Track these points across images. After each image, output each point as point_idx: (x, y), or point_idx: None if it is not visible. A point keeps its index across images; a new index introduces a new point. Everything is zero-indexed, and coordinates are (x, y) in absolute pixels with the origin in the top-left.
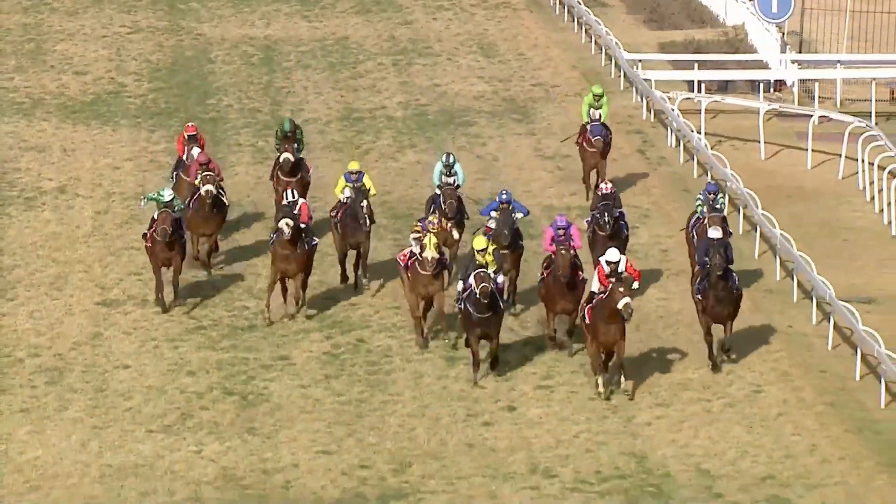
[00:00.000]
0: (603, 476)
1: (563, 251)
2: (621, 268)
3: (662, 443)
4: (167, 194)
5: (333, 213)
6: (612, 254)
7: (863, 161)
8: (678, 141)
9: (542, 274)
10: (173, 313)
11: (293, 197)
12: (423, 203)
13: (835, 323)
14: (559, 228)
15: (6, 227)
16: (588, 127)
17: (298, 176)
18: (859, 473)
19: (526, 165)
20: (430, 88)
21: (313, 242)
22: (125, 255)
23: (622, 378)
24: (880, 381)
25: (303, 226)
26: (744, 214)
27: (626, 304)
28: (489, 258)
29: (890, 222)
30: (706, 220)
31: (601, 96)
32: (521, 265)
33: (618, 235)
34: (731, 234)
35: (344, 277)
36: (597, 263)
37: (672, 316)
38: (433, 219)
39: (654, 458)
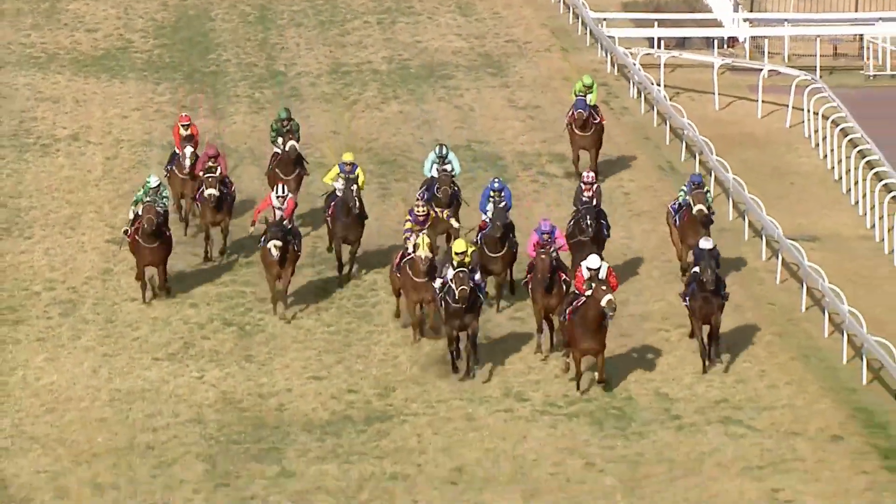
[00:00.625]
0: (570, 399)
1: (542, 256)
2: (602, 274)
3: (625, 370)
4: (153, 180)
5: (325, 209)
6: (593, 260)
7: (808, 111)
8: (640, 93)
9: (526, 277)
10: (176, 250)
11: (283, 192)
12: (405, 149)
13: (782, 259)
14: (544, 233)
15: (24, 171)
16: (574, 104)
17: (296, 172)
18: (804, 397)
19: (500, 115)
20: (412, 45)
21: (299, 239)
22: (132, 197)
23: (599, 382)
24: (824, 313)
25: (287, 224)
26: (699, 160)
27: (609, 301)
28: (468, 260)
29: (833, 167)
30: (691, 198)
31: (591, 86)
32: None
33: (598, 236)
34: (713, 213)
35: (340, 269)
36: (574, 263)
37: (634, 253)
38: (419, 208)
39: (617, 383)
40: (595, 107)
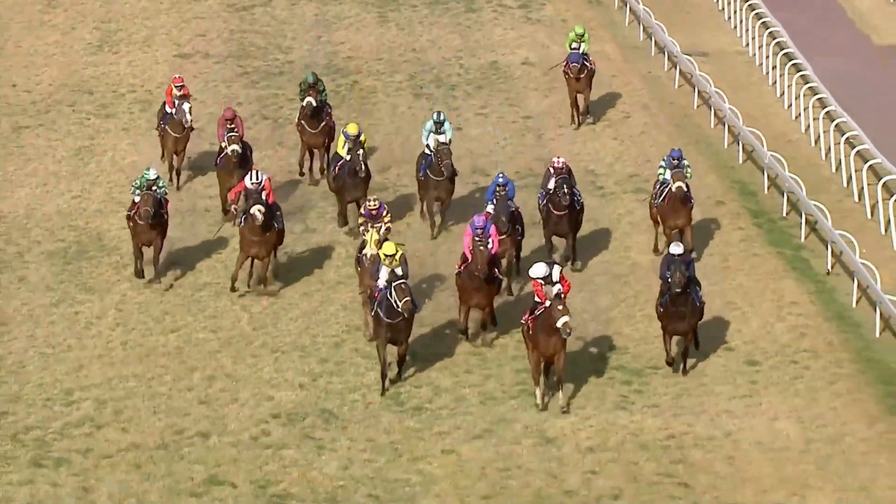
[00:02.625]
0: (521, 175)
1: (480, 248)
2: (555, 277)
3: (561, 150)
4: (152, 173)
5: (333, 170)
6: (539, 268)
7: None
8: None
9: (459, 268)
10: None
11: (258, 178)
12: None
13: (679, 70)
14: (477, 228)
15: (112, 2)
16: (569, 55)
17: (323, 123)
18: (696, 173)
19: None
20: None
21: (281, 224)
22: (193, 21)
23: (560, 393)
24: (710, 110)
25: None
26: None
27: (565, 324)
28: (396, 264)
29: (717, 1)
30: (671, 176)
31: (582, 35)
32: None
33: (572, 209)
34: (692, 201)
35: (343, 221)
36: (549, 238)
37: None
38: (370, 202)
39: (552, 157)
40: (586, 55)
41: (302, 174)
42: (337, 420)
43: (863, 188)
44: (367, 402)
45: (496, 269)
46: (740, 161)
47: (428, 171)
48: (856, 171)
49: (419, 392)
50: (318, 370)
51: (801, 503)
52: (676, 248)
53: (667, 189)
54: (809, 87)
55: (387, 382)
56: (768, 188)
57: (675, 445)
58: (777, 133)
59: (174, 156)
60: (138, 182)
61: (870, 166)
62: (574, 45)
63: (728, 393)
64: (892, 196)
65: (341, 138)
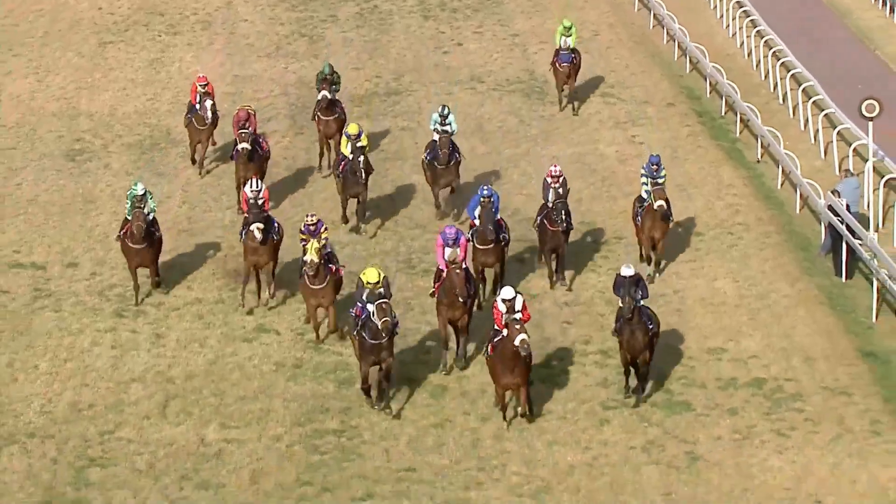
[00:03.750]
0: (510, 82)
1: (457, 271)
2: (517, 305)
3: (542, 62)
4: (139, 188)
5: (336, 168)
6: (507, 291)
7: None
8: None
9: (434, 287)
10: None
11: (257, 186)
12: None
13: None
14: (449, 238)
15: None
16: (559, 54)
17: (336, 114)
18: (651, 79)
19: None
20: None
21: (278, 232)
22: None
23: (525, 415)
24: (663, 29)
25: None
26: None
27: (523, 341)
28: (378, 288)
29: None
30: (652, 193)
31: (570, 28)
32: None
33: (567, 228)
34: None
35: (345, 219)
36: (540, 250)
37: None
38: (309, 218)
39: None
40: (575, 50)
41: (320, 167)
42: None
43: (786, 93)
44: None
45: (472, 286)
46: (687, 71)
47: (433, 159)
48: (780, 79)
49: None
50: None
51: (736, 347)
52: (627, 271)
53: (646, 204)
54: (744, 11)
55: (374, 400)
56: (710, 93)
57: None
58: (717, 48)
59: (198, 145)
60: (128, 201)
61: (792, 75)
62: (563, 37)
63: (677, 258)
64: (809, 98)
65: (344, 138)
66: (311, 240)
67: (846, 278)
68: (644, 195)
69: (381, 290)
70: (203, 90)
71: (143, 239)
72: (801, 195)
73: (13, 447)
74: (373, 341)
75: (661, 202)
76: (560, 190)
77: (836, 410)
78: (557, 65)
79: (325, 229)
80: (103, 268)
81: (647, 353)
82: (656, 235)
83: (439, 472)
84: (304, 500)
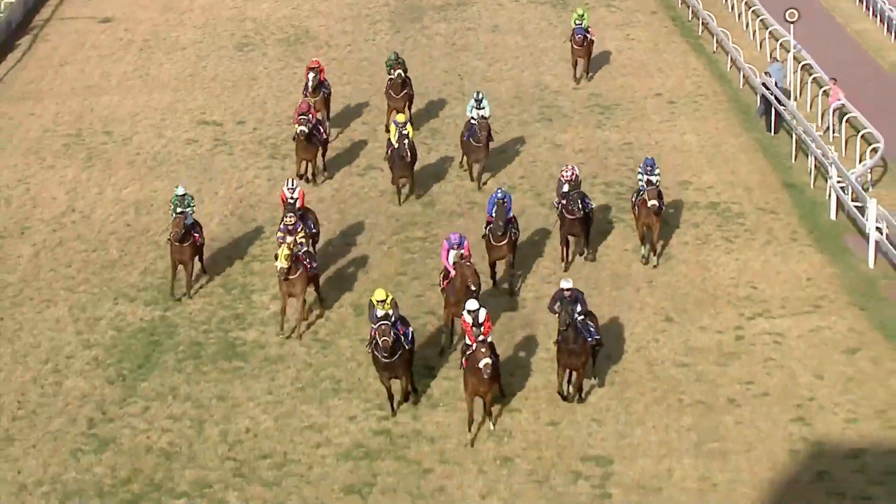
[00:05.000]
0: (528, 31)
1: (466, 265)
2: (481, 318)
3: (566, 15)
4: (179, 190)
5: (387, 152)
6: (472, 303)
7: None
8: None
9: (441, 284)
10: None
11: (293, 185)
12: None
13: None
14: (453, 244)
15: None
16: (574, 29)
17: (404, 92)
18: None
19: None
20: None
21: (315, 226)
22: None
23: (491, 423)
24: None
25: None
26: None
27: (486, 365)
28: (388, 307)
29: None
30: (646, 193)
31: (583, 15)
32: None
33: (586, 216)
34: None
35: (399, 197)
36: (563, 242)
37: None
38: (288, 218)
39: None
40: (587, 28)
41: (387, 130)
42: None
43: (734, 4)
44: None
45: (478, 281)
46: None
47: (471, 139)
48: None
49: None
50: None
51: (698, 180)
52: (566, 283)
53: (642, 196)
54: None
55: (394, 406)
56: (681, 4)
57: (628, 148)
58: None
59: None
60: (172, 202)
61: None
62: (577, 21)
63: (658, 119)
64: (750, 8)
65: (392, 126)
66: (283, 245)
67: (774, 133)
68: (640, 188)
69: (390, 309)
70: (315, 71)
71: (183, 239)
72: (743, 76)
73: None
74: (385, 360)
75: (654, 201)
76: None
77: (766, 224)
78: (574, 41)
79: (302, 230)
80: (261, 125)
81: (582, 366)
82: (651, 224)
83: None
84: (399, 285)
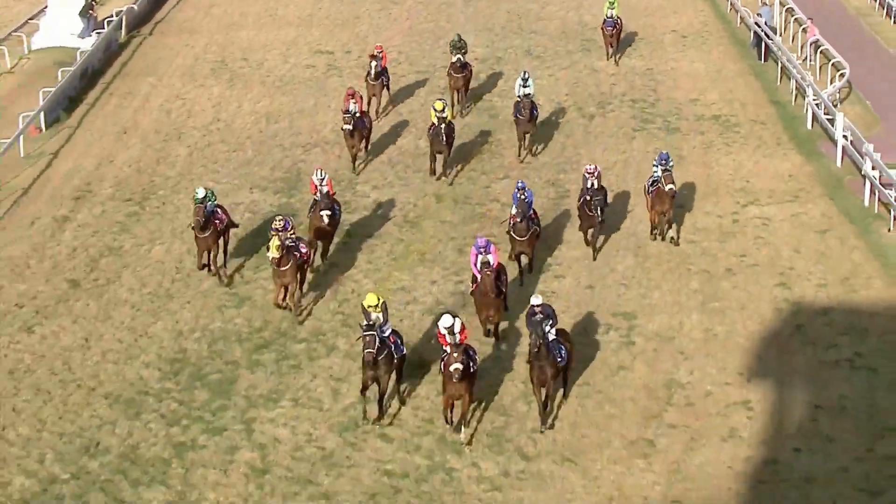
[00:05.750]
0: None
1: (487, 273)
2: (456, 328)
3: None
4: (200, 192)
5: (429, 131)
6: (445, 319)
7: None
8: None
9: (472, 287)
10: None
11: (321, 175)
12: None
13: None
14: (480, 248)
15: None
16: (605, 20)
17: (464, 73)
18: None
19: None
20: None
21: (338, 213)
22: None
23: (462, 427)
24: None
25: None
26: None
27: (456, 370)
28: (379, 311)
29: None
30: (662, 178)
31: (613, 3)
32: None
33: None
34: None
35: (432, 171)
36: (585, 236)
37: None
38: (277, 222)
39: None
40: (618, 17)
41: (452, 107)
42: None
43: None
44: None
45: (501, 285)
46: None
47: (518, 115)
48: None
49: None
50: None
51: (703, 97)
52: (535, 300)
53: (657, 184)
54: None
55: (367, 408)
56: None
57: (650, 73)
58: None
59: (372, 98)
60: (195, 199)
61: None
62: (609, 10)
63: (672, 50)
64: None
65: (431, 111)
66: (274, 237)
67: (764, 61)
68: (655, 177)
69: (380, 313)
70: (378, 56)
71: (204, 229)
72: (740, 16)
73: (316, 150)
74: (369, 363)
75: (671, 185)
76: (596, 182)
77: (756, 132)
78: (604, 29)
79: (293, 228)
80: (363, 54)
81: (551, 384)
82: (665, 208)
83: None
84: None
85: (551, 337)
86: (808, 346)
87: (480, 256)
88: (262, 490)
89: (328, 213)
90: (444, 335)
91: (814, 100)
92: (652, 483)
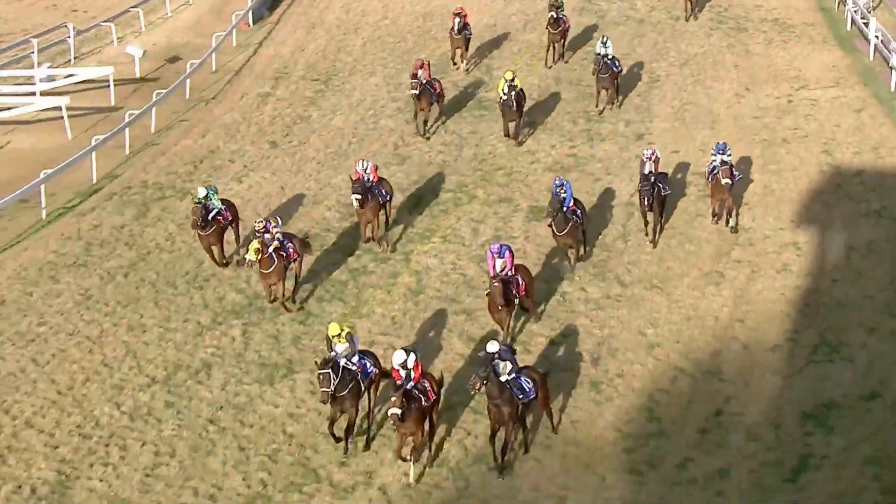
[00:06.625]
0: None
1: (495, 284)
2: (409, 364)
3: None
4: (201, 192)
5: (499, 100)
6: (398, 356)
7: None
8: None
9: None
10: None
11: (364, 165)
12: None
13: None
14: (495, 253)
15: None
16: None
17: (560, 27)
18: None
19: None
20: None
21: (386, 197)
22: None
23: (411, 465)
24: None
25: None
26: None
27: (393, 414)
28: (343, 341)
29: None
30: (720, 172)
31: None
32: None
33: (659, 195)
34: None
35: (506, 131)
36: (643, 212)
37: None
38: (258, 224)
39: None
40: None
41: (546, 63)
42: None
43: None
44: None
45: (512, 291)
46: None
47: (599, 73)
48: None
49: None
50: None
51: (767, 4)
52: (492, 347)
53: (715, 173)
54: None
55: (348, 444)
56: None
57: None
58: None
59: (457, 51)
60: (196, 200)
61: None
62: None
63: None
64: None
65: (501, 80)
66: (253, 241)
67: None
68: (714, 167)
69: (345, 343)
70: (459, 16)
71: (205, 226)
72: None
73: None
74: (335, 392)
75: (727, 179)
76: (654, 166)
77: (807, 31)
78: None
79: (276, 227)
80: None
81: (510, 425)
82: (724, 196)
83: None
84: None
85: (511, 377)
86: (845, 199)
87: (499, 261)
88: (417, 307)
89: (358, 196)
90: (398, 370)
91: (852, 7)
92: (721, 305)
